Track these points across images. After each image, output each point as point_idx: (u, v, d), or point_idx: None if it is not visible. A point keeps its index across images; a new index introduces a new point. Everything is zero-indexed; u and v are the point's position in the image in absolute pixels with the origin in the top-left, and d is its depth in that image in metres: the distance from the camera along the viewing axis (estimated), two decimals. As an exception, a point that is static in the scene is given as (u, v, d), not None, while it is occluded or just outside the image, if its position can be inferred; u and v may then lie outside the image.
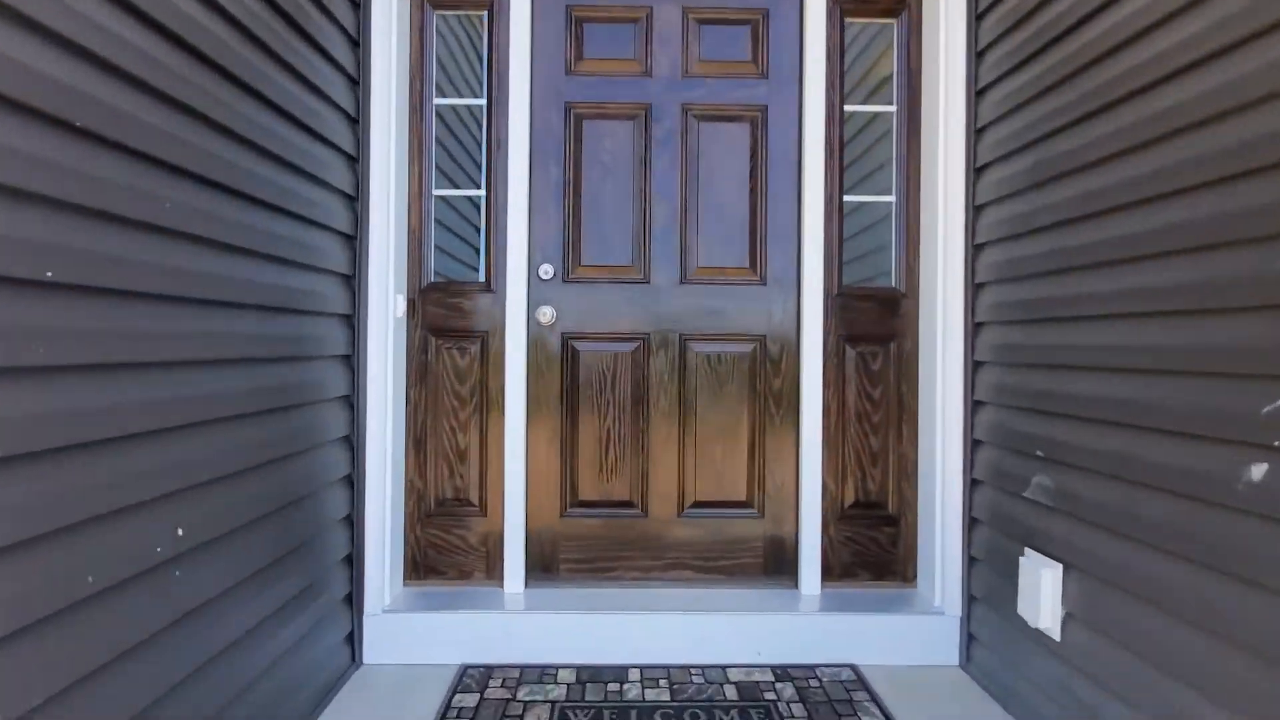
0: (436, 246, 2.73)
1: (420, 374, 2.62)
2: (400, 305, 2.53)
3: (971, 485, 2.45)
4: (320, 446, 2.22)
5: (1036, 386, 2.08)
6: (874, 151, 2.89)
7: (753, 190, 2.68)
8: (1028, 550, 2.09)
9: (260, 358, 1.89)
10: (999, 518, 2.27)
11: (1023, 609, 2.06)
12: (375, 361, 2.41)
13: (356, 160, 2.42)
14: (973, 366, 2.45)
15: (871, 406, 2.67)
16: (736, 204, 2.67)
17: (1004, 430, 2.25)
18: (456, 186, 2.73)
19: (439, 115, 2.73)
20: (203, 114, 1.60)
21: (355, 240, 2.41)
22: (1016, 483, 2.17)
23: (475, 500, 2.64)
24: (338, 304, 2.32)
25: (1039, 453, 2.05)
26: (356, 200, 2.42)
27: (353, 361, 2.40)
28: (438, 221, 2.76)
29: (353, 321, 2.41)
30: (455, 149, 2.91)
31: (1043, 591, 1.97)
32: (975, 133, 2.47)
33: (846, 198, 2.69)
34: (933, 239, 2.55)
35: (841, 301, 2.66)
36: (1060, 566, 1.96)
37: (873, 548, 2.66)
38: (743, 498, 2.67)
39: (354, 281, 2.41)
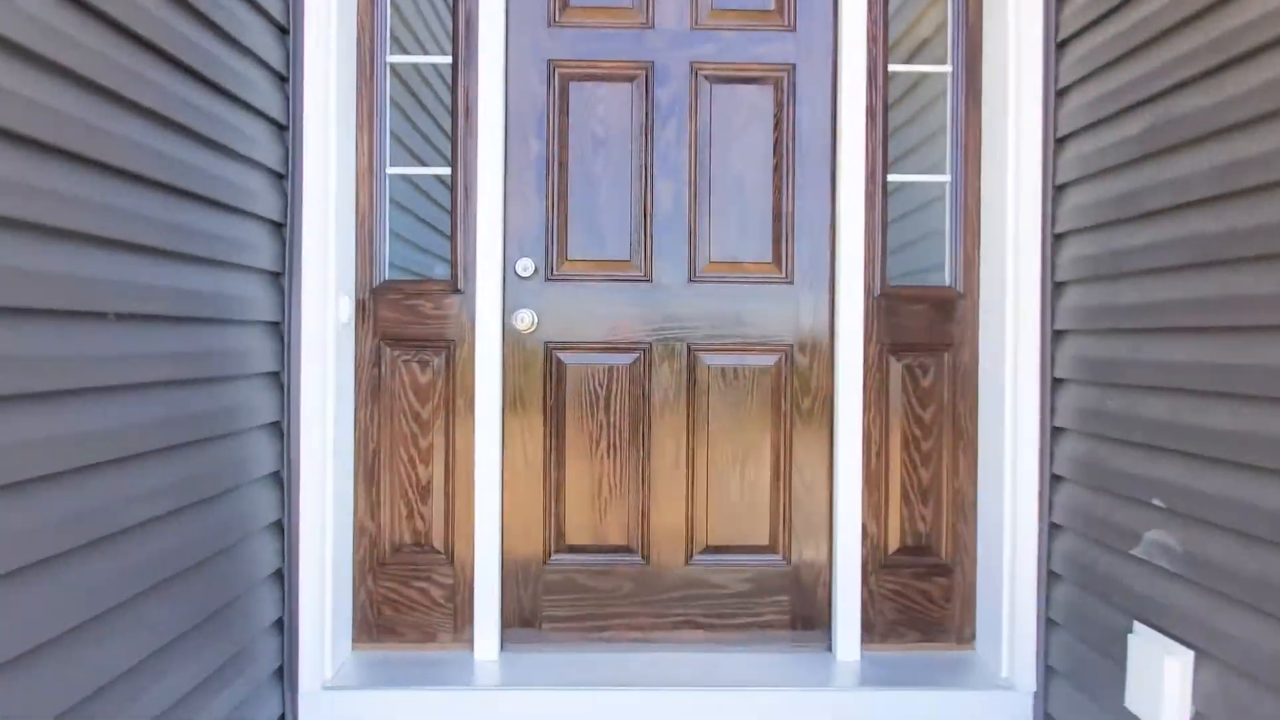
0: (394, 235, 2.29)
1: (371, 392, 2.18)
2: (345, 309, 2.09)
3: (1050, 531, 2.01)
4: (239, 488, 1.78)
5: (1152, 415, 1.64)
6: (921, 121, 2.44)
7: (777, 168, 2.23)
8: (1139, 626, 1.65)
9: (158, 381, 1.49)
10: (1092, 576, 1.83)
11: (1134, 702, 1.63)
12: (311, 378, 1.97)
13: (286, 129, 1.97)
14: (1051, 384, 2.01)
15: (921, 431, 2.23)
16: (757, 184, 2.23)
17: (1098, 467, 1.81)
18: (424, 163, 2.29)
19: (395, 75, 2.28)
20: (41, 55, 1.16)
21: (285, 229, 1.96)
22: (1119, 535, 1.73)
23: (440, 545, 2.20)
24: (262, 309, 1.87)
25: (1157, 501, 1.61)
26: (286, 179, 1.97)
27: (282, 379, 1.96)
28: (396, 205, 2.32)
29: (282, 330, 1.96)
30: (419, 117, 2.46)
31: (1166, 684, 1.53)
32: (1056, 95, 2.03)
33: (890, 177, 2.24)
34: (998, 227, 2.10)
35: (885, 303, 2.22)
36: (1190, 653, 1.52)
37: (922, 602, 2.23)
38: (764, 541, 2.24)
39: (284, 280, 1.97)
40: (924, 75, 2.34)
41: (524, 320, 2.14)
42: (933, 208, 2.40)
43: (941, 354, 2.22)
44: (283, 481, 1.96)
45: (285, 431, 1.96)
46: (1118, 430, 1.75)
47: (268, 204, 1.89)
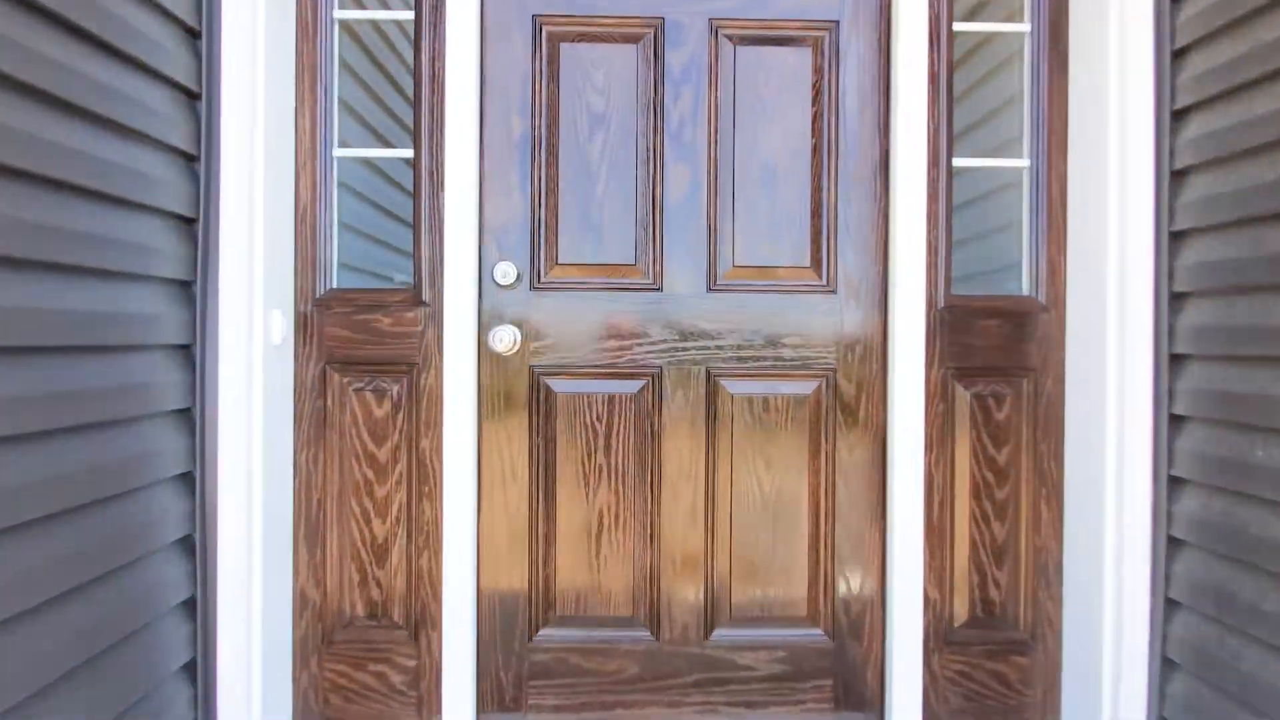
0: (345, 231, 1.89)
1: (315, 429, 1.79)
2: (278, 326, 1.69)
3: (1166, 608, 1.63)
4: (139, 561, 1.41)
5: (1335, 478, 1.26)
6: (986, 91, 2.05)
7: (816, 150, 1.84)
8: (1314, 756, 1.28)
9: (26, 433, 1.14)
10: (1225, 673, 1.44)
11: None
12: (232, 416, 1.57)
13: (198, 97, 1.57)
14: (1169, 423, 1.63)
15: (994, 476, 1.84)
16: (792, 170, 1.84)
17: (1239, 534, 1.41)
18: (388, 143, 1.90)
19: (348, 33, 1.88)
20: None
21: (198, 226, 1.57)
22: (1267, 624, 1.35)
23: (400, 618, 1.81)
24: (166, 329, 1.48)
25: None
26: (199, 161, 1.57)
27: (193, 417, 1.57)
28: (348, 194, 1.92)
29: (193, 355, 1.57)
30: (379, 86, 2.07)
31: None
32: (1172, 56, 1.64)
33: (955, 161, 1.85)
34: (1094, 223, 1.71)
35: (950, 317, 1.83)
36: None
37: (995, 686, 1.84)
38: (801, 611, 1.85)
39: (195, 291, 1.57)
40: (991, 35, 1.95)
41: (504, 339, 1.75)
42: (1000, 196, 2.00)
43: (1019, 380, 1.83)
44: (195, 548, 1.58)
45: (198, 485, 1.57)
46: (1269, 487, 1.37)
47: (174, 194, 1.49)
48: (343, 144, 1.86)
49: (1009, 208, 2.00)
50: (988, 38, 1.99)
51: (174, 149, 1.51)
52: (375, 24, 1.93)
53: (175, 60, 1.49)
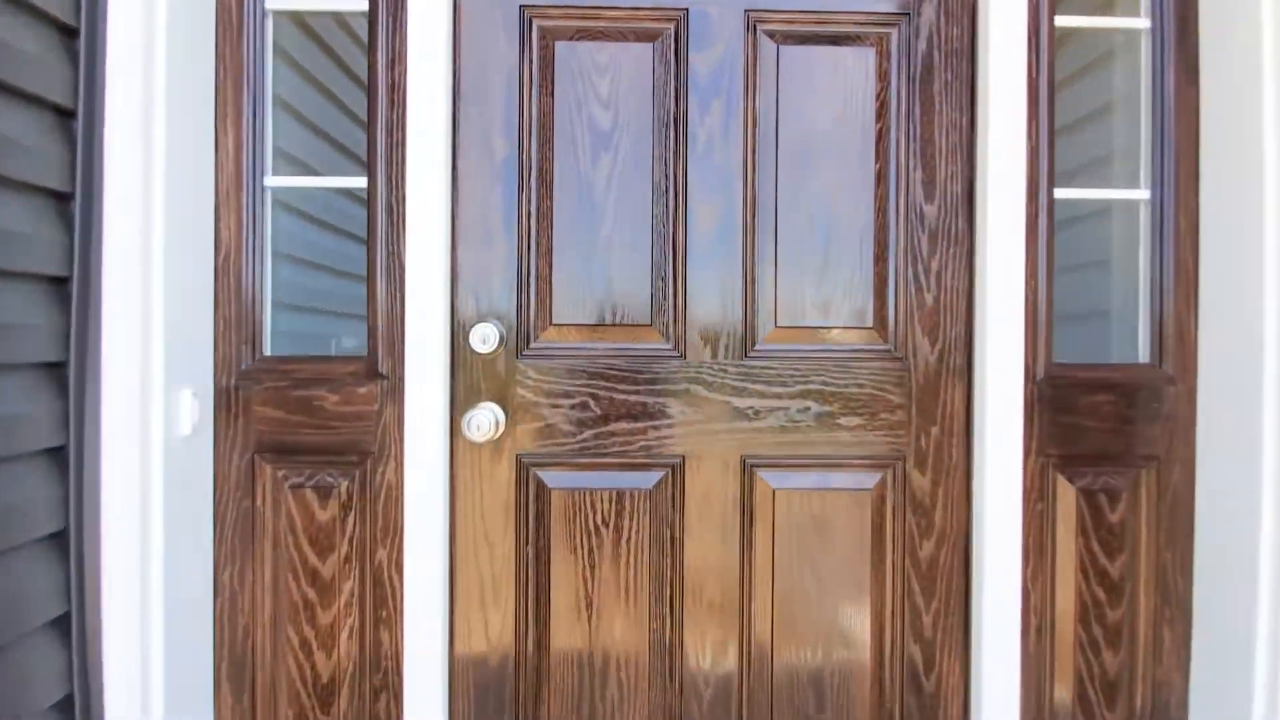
0: (283, 284, 1.53)
1: (242, 538, 1.42)
2: (188, 411, 1.32)
3: (1350, 787, 1.27)
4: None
5: None
6: (1082, 102, 1.69)
7: (880, 177, 1.48)
8: None
9: None
10: None
11: None
12: (120, 535, 1.20)
13: (74, 116, 1.21)
14: (1354, 544, 1.27)
15: (1106, 592, 1.47)
16: (850, 203, 1.47)
17: None
18: (349, 167, 1.54)
19: (285, 29, 1.52)
20: None
21: (71, 287, 1.21)
22: None
23: (353, 774, 1.45)
24: (29, 432, 1.12)
25: None
26: (73, 200, 1.21)
27: (68, 541, 1.21)
28: (287, 235, 1.56)
29: (67, 458, 1.21)
30: (337, 92, 1.70)
31: None
32: (1360, 61, 1.28)
33: (1058, 193, 1.48)
34: (1237, 271, 1.34)
35: (1051, 392, 1.46)
36: None
37: None
38: (861, 762, 1.50)
39: (69, 374, 1.21)
40: (1097, 32, 1.59)
41: (482, 424, 1.38)
42: (1098, 228, 1.64)
43: (1137, 471, 1.46)
44: (78, 711, 1.22)
45: (75, 630, 1.20)
46: None
47: (39, 250, 1.13)
48: (291, 164, 1.50)
49: (1099, 240, 1.64)
50: (1096, 34, 1.62)
51: (40, 189, 1.14)
52: (320, 16, 1.56)
53: (42, 68, 1.12)
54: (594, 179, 1.44)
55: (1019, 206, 1.41)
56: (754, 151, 1.45)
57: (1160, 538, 1.47)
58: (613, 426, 1.44)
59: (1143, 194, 1.49)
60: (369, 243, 1.41)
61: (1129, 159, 1.56)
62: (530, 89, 1.44)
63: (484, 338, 1.39)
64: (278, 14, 1.47)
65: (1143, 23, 1.50)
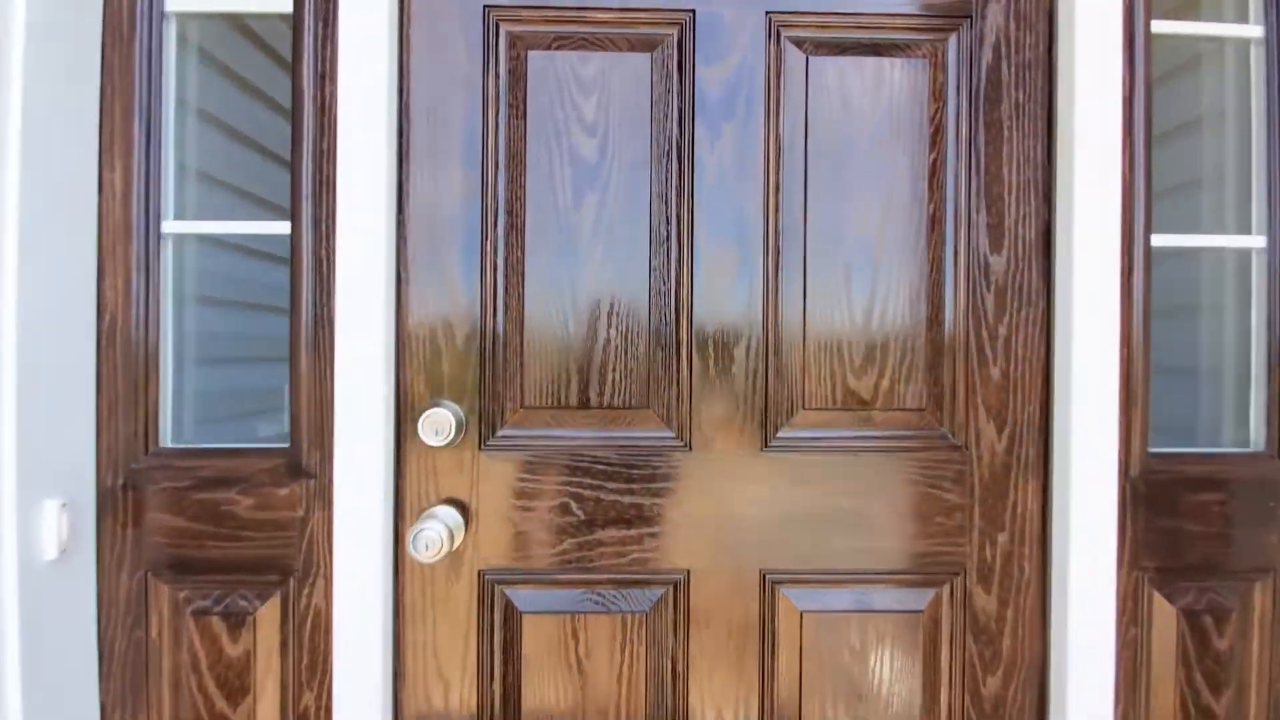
0: (194, 360, 1.25)
1: (132, 679, 1.11)
2: (52, 529, 1.03)
3: None
4: None
5: None
6: (1172, 129, 1.41)
7: (935, 221, 1.19)
8: None
9: None
10: None
11: None
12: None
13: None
14: None
15: (1215, 737, 1.21)
16: (895, 253, 1.18)
17: None
18: (271, 210, 1.26)
19: (214, 32, 1.24)
20: None
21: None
22: None
23: None
24: None
25: None
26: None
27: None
28: (197, 291, 1.27)
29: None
30: (270, 113, 1.41)
31: None
32: None
33: (1155, 239, 1.20)
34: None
35: (1147, 490, 1.18)
36: None
37: None
38: None
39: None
40: (1195, 40, 1.31)
41: (432, 541, 1.09)
42: (1179, 269, 1.36)
43: (1248, 586, 1.19)
44: None
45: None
46: None
47: None
48: (222, 197, 1.22)
49: (1182, 285, 1.36)
50: (1191, 43, 1.34)
51: None
52: (238, 19, 1.28)
53: None
54: (577, 223, 1.16)
55: (1112, 257, 1.13)
56: (777, 189, 1.17)
57: (1274, 667, 1.19)
58: (600, 534, 1.16)
59: (1256, 241, 1.21)
60: (292, 304, 1.13)
61: (1213, 189, 1.29)
62: (497, 111, 1.15)
63: (437, 426, 1.11)
64: (184, 16, 1.19)
65: (1254, 30, 1.22)
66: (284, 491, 1.12)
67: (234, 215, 1.31)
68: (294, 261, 1.13)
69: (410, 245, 1.14)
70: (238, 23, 1.30)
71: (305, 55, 1.13)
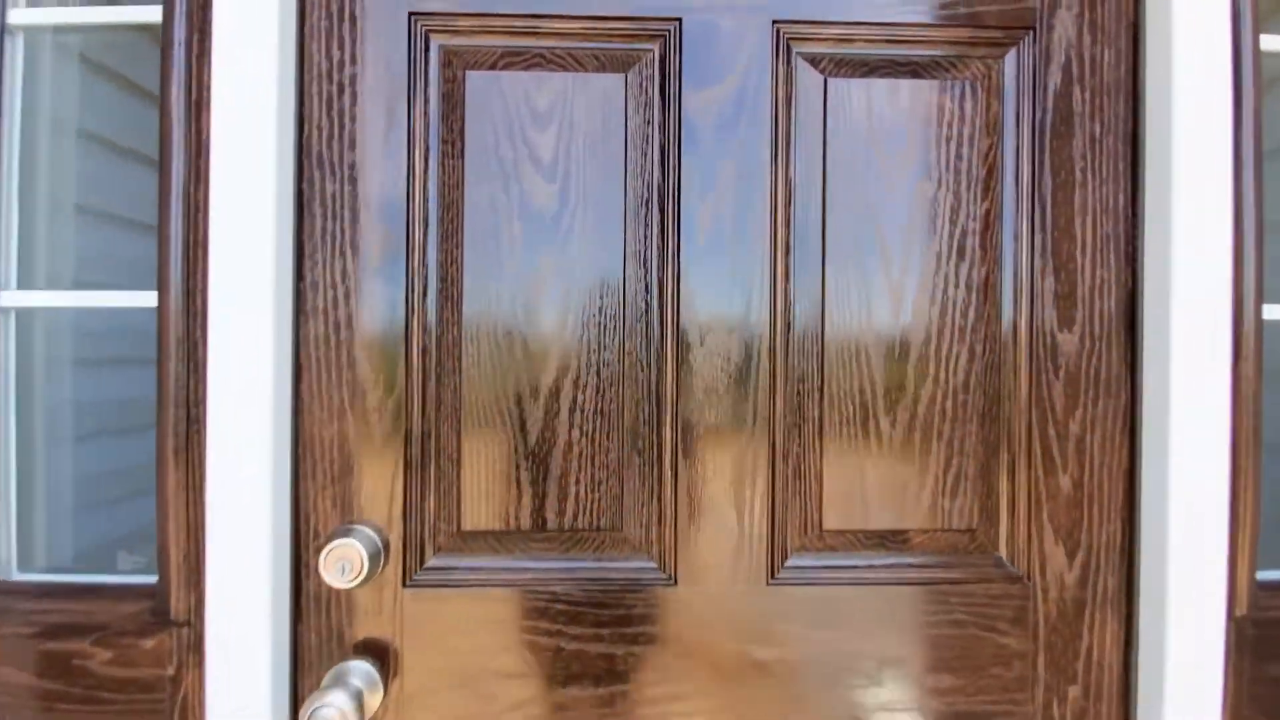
0: (50, 441, 0.99)
1: None
2: None
3: None
4: None
5: None
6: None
7: (988, 286, 0.95)
8: None
9: None
10: None
11: None
12: None
13: None
14: None
15: None
16: (937, 330, 0.94)
17: None
18: (133, 280, 1.01)
19: (38, 57, 0.98)
20: None
21: None
22: None
23: None
24: None
25: None
26: None
27: None
28: (59, 375, 1.02)
29: None
30: (109, 160, 1.16)
31: None
32: None
33: (1266, 310, 0.95)
34: None
35: (1255, 633, 0.94)
36: None
37: None
38: None
39: None
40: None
41: (336, 707, 0.85)
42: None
43: (1387, 747, 0.96)
44: None
45: None
46: None
47: None
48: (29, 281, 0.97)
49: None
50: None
51: None
52: (105, 31, 1.03)
53: None
54: (530, 293, 0.90)
55: (1221, 334, 0.88)
56: (787, 247, 0.92)
57: None
58: (560, 694, 0.90)
59: (1390, 309, 0.97)
60: (159, 402, 0.87)
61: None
62: (426, 149, 0.90)
63: (345, 562, 0.85)
64: (32, 31, 0.94)
65: (1387, 41, 0.98)
66: (149, 644, 0.87)
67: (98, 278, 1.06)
68: (161, 344, 0.87)
69: (312, 324, 0.89)
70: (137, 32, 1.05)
71: (175, 76, 0.87)
